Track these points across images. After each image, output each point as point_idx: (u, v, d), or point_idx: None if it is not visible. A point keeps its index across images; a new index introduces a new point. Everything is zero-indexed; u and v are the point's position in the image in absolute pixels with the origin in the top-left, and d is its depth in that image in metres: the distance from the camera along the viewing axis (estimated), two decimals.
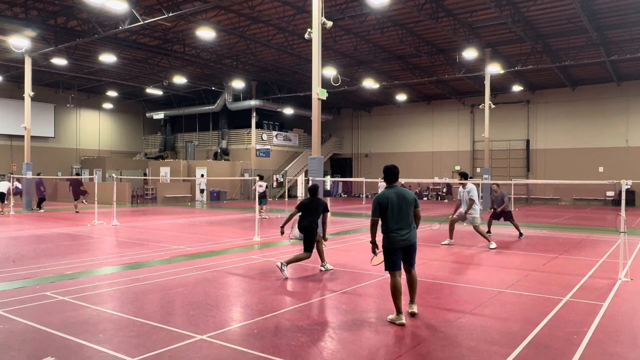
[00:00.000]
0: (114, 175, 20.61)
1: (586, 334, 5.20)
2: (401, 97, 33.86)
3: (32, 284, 7.38)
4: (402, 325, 5.45)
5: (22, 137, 24.25)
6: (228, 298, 6.78)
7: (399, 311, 5.56)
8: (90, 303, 6.28)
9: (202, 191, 30.73)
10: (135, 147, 40.87)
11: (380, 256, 5.77)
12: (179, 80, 29.50)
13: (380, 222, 5.75)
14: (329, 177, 37.26)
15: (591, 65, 25.51)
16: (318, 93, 13.07)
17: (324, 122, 32.50)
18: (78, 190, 21.16)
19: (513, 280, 7.91)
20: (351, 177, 40.59)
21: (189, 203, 29.01)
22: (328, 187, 37.55)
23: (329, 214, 8.51)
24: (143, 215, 20.53)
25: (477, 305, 6.36)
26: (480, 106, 25.93)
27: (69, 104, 34.96)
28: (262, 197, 18.03)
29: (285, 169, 35.03)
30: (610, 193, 29.77)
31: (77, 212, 20.56)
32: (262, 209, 18.46)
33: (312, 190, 8.54)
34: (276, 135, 36.48)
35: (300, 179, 36.30)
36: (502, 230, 13.87)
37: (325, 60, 22.69)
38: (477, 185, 12.49)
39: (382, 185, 26.32)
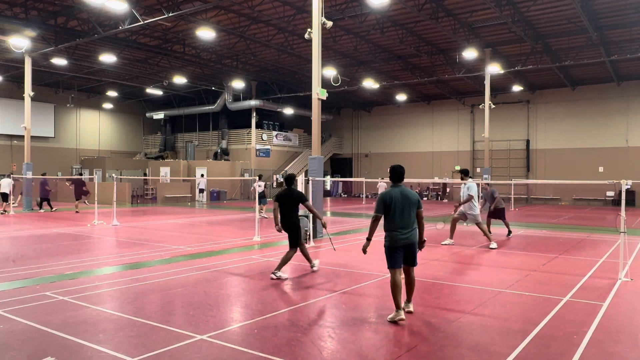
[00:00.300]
0: (114, 175, 20.61)
1: (586, 334, 5.20)
2: (401, 97, 33.86)
3: (32, 284, 7.37)
4: (402, 320, 5.52)
5: (22, 137, 24.27)
6: (228, 298, 6.78)
7: (398, 307, 5.61)
8: (90, 303, 6.28)
9: (201, 191, 30.74)
10: (135, 147, 40.87)
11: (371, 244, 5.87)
12: (179, 80, 29.51)
13: (382, 221, 5.82)
14: (329, 177, 37.26)
15: (591, 65, 25.51)
16: (318, 93, 13.08)
17: (324, 122, 32.48)
18: (80, 191, 21.17)
19: (513, 280, 7.91)
20: (351, 177, 40.60)
21: (189, 203, 29.01)
22: (328, 187, 37.55)
23: (308, 202, 8.22)
24: (143, 215, 20.53)
25: (477, 305, 6.36)
26: (480, 106, 25.94)
27: (69, 104, 34.98)
28: (262, 196, 18.04)
29: (285, 169, 35.01)
30: (610, 193, 29.77)
31: (77, 212, 20.57)
32: (261, 208, 18.47)
33: (287, 179, 8.26)
34: (276, 135, 36.48)
35: (300, 179, 36.22)
36: (502, 230, 13.86)
37: (325, 60, 22.68)
38: (477, 185, 12.49)
39: (381, 185, 26.41)
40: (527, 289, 7.22)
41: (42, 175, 23.31)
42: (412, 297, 6.03)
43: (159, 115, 38.74)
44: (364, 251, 5.89)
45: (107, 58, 23.82)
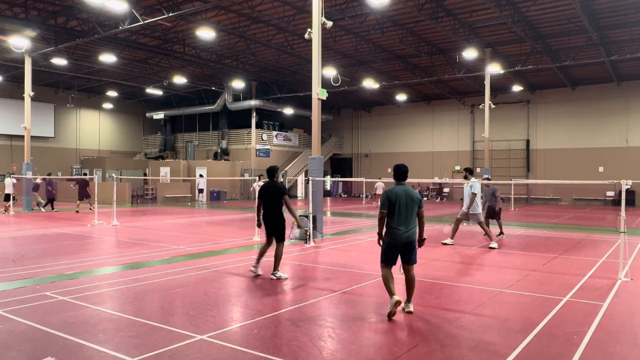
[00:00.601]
0: (114, 175, 20.62)
1: (586, 334, 5.20)
2: (401, 97, 33.87)
3: (32, 284, 7.37)
4: (398, 303, 5.65)
5: (22, 137, 24.27)
6: (228, 298, 6.78)
7: (392, 294, 5.76)
8: (90, 303, 6.28)
9: (200, 191, 30.75)
10: (135, 147, 40.87)
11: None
12: (179, 80, 29.51)
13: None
14: (329, 177, 37.26)
15: (591, 65, 25.51)
16: (318, 93, 13.07)
17: (324, 122, 32.49)
18: (84, 192, 21.16)
19: (513, 280, 7.91)
20: (351, 177, 40.59)
21: (189, 203, 29.01)
22: (328, 187, 37.56)
23: (287, 197, 7.96)
24: (143, 215, 20.53)
25: (477, 305, 6.36)
26: (480, 106, 25.94)
27: (69, 104, 34.97)
28: None
29: (285, 169, 35.00)
30: (610, 193, 29.77)
31: (77, 211, 20.59)
32: None
33: (269, 172, 8.11)
34: (276, 135, 36.48)
35: (300, 179, 36.29)
36: (495, 229, 13.83)
37: (325, 60, 22.68)
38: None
39: (379, 185, 26.38)
40: (527, 289, 7.22)
41: (48, 175, 23.46)
42: (412, 296, 6.04)
43: (159, 115, 38.74)
44: (380, 243, 6.06)
45: (107, 58, 23.83)
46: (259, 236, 12.70)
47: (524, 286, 7.44)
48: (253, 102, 33.43)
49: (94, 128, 37.93)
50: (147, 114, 39.70)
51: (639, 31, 20.76)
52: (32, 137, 24.49)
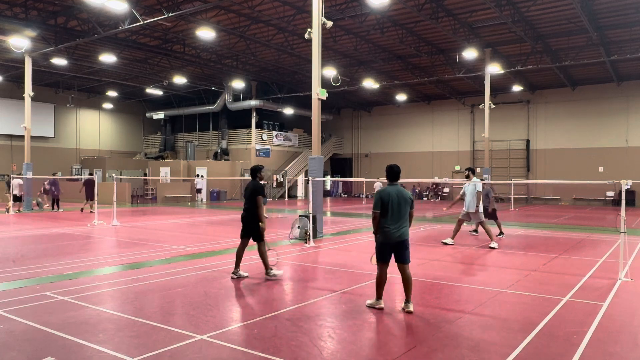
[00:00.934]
0: (114, 175, 20.62)
1: (586, 334, 5.20)
2: (401, 97, 33.86)
3: (32, 284, 7.37)
4: (381, 309, 6.01)
5: (22, 137, 24.27)
6: (228, 298, 6.78)
7: (379, 297, 6.11)
8: (90, 303, 6.28)
9: (198, 191, 30.75)
10: (135, 147, 40.87)
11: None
12: (179, 80, 29.51)
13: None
14: (329, 177, 37.26)
15: (591, 65, 25.51)
16: (318, 93, 13.07)
17: (324, 122, 32.51)
18: (91, 192, 21.16)
19: (513, 280, 7.91)
20: (351, 177, 40.60)
21: (189, 203, 29.01)
22: (328, 187, 37.56)
23: (260, 197, 7.74)
24: (143, 215, 20.53)
25: (477, 305, 6.36)
26: (480, 106, 25.94)
27: (69, 104, 34.97)
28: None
29: (285, 169, 35.02)
30: (610, 193, 29.77)
31: (82, 210, 20.67)
32: None
33: (251, 171, 8.05)
34: (276, 135, 36.48)
35: (300, 179, 36.29)
36: (503, 230, 13.84)
37: (325, 60, 22.68)
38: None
39: (378, 185, 26.36)
40: (527, 289, 7.22)
41: (53, 175, 23.53)
42: (410, 296, 6.06)
43: (159, 115, 38.74)
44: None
45: (107, 58, 23.82)
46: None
47: (524, 286, 7.44)
48: (253, 102, 33.43)
49: (94, 128, 37.93)
50: (147, 114, 39.70)
51: (639, 31, 20.76)
52: (32, 137, 24.48)
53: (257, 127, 34.75)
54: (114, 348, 4.67)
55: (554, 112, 31.86)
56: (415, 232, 14.55)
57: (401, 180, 6.21)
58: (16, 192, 20.69)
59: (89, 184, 21.42)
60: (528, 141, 32.75)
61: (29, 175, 22.51)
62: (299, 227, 12.47)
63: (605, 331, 5.32)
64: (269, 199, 27.32)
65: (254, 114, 34.21)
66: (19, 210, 20.69)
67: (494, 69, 24.26)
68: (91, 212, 20.04)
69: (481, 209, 11.65)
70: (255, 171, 8.02)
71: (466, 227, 13.51)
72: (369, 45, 24.26)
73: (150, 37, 23.20)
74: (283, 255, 10.14)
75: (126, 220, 17.57)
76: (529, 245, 12.07)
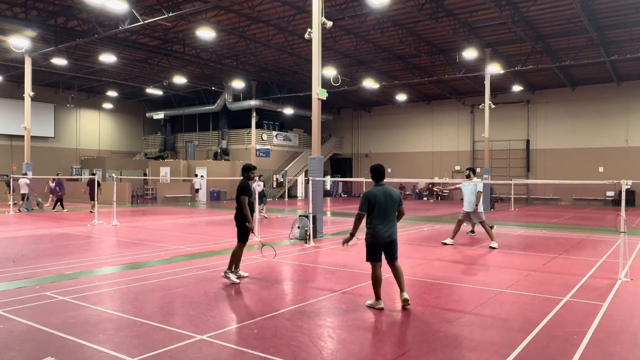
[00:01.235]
0: (114, 175, 20.62)
1: (586, 334, 5.20)
2: (401, 97, 33.86)
3: (32, 284, 7.37)
4: (381, 309, 6.02)
5: (22, 137, 24.28)
6: (228, 298, 6.77)
7: (378, 297, 6.13)
8: (90, 303, 6.28)
9: (197, 191, 30.75)
10: (135, 147, 40.87)
11: (354, 240, 6.17)
12: (179, 80, 29.51)
13: (365, 217, 6.18)
14: (329, 177, 37.25)
15: (591, 65, 25.51)
16: (318, 93, 13.07)
17: (324, 122, 32.51)
18: (93, 192, 21.17)
19: (513, 280, 7.91)
20: (351, 177, 40.60)
21: (189, 203, 29.01)
22: (328, 187, 37.55)
23: (244, 198, 7.55)
24: (143, 215, 20.53)
25: (477, 305, 6.36)
26: (480, 106, 25.93)
27: (69, 104, 34.97)
28: (262, 195, 18.06)
29: (285, 169, 35.02)
30: (610, 193, 29.77)
31: (91, 211, 20.72)
32: (262, 208, 18.47)
33: (242, 169, 7.93)
34: (276, 135, 36.48)
35: (300, 179, 36.28)
36: (503, 230, 13.87)
37: (325, 60, 22.68)
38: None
39: None
40: (527, 289, 7.22)
41: (57, 175, 23.56)
42: (403, 286, 6.19)
43: (159, 115, 38.74)
44: (344, 244, 6.17)
45: (107, 58, 23.82)
46: (259, 236, 12.68)
47: (524, 286, 7.44)
48: (253, 102, 33.43)
49: (94, 128, 37.93)
50: (147, 114, 39.70)
51: (639, 31, 20.76)
52: (32, 137, 24.47)
53: (257, 127, 34.75)
54: (114, 348, 4.67)
55: (554, 112, 31.85)
56: (416, 232, 14.56)
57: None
58: (24, 191, 20.83)
59: (92, 184, 21.45)
60: (528, 141, 32.75)
61: (29, 175, 22.51)
62: (299, 227, 12.47)
63: (605, 331, 5.32)
64: (269, 199, 27.28)
65: (254, 114, 34.21)
66: (19, 210, 20.76)
67: (494, 69, 24.26)
68: (91, 212, 20.07)
69: (481, 209, 11.64)
70: (244, 170, 7.85)
71: (466, 227, 13.51)
72: (369, 45, 24.25)
73: (150, 37, 23.20)
74: (283, 255, 10.15)
75: (126, 220, 17.57)
76: (529, 245, 12.07)
